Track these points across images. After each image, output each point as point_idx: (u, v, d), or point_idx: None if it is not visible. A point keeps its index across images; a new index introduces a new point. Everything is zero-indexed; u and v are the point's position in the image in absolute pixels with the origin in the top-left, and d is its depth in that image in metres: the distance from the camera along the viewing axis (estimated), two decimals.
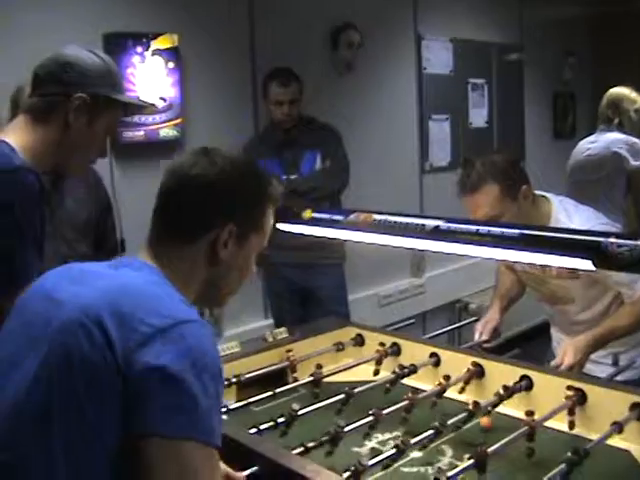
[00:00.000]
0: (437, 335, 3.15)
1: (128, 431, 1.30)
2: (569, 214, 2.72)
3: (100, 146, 2.25)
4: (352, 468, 1.80)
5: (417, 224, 1.96)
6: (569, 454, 1.85)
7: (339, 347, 2.85)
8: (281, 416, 2.15)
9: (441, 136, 6.03)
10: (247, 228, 1.60)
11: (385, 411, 2.16)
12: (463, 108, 6.31)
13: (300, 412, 2.18)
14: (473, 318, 3.58)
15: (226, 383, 2.48)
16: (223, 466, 1.85)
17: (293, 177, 4.29)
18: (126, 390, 1.30)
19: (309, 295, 4.42)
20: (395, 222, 2.02)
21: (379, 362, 2.73)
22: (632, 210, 4.94)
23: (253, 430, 2.08)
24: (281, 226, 2.46)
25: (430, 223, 1.93)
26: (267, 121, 4.54)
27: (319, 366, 2.56)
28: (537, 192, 2.78)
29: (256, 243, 1.63)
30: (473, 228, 1.85)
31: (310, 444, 1.95)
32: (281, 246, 4.16)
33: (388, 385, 2.47)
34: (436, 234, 1.92)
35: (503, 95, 6.73)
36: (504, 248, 1.81)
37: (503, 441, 1.93)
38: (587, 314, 2.87)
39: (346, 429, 2.03)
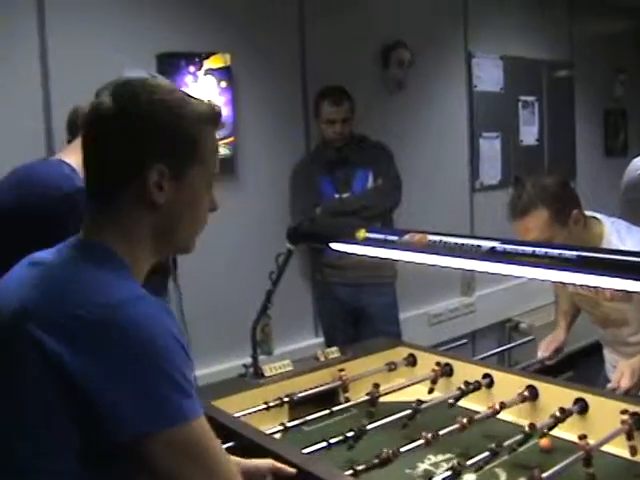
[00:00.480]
0: (490, 355, 3.13)
1: (100, 439, 1.26)
2: (621, 236, 2.69)
3: None
4: None
5: (472, 245, 1.94)
6: None
7: (391, 367, 2.84)
8: (350, 430, 2.16)
9: (492, 154, 6.00)
10: (181, 162, 1.42)
11: (438, 433, 2.15)
12: (514, 126, 6.27)
13: (369, 427, 2.19)
14: (527, 338, 3.56)
15: (278, 402, 2.49)
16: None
17: (345, 195, 4.31)
18: (70, 395, 1.24)
19: (360, 314, 4.41)
20: (450, 243, 2.00)
21: (434, 381, 2.72)
22: None
23: (323, 444, 2.09)
24: (336, 246, 2.46)
25: (486, 244, 1.91)
26: (319, 139, 4.56)
27: (376, 385, 2.56)
28: (588, 213, 2.75)
29: (200, 174, 1.46)
30: (529, 249, 1.83)
31: (360, 467, 1.94)
32: (332, 265, 4.20)
33: (452, 400, 2.46)
34: (492, 255, 1.90)
35: (554, 112, 6.68)
36: (562, 270, 1.79)
37: (559, 466, 1.91)
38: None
39: (401, 450, 2.03)
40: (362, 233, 2.30)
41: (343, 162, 4.36)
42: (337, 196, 4.31)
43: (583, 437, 2.03)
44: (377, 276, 4.37)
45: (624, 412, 2.20)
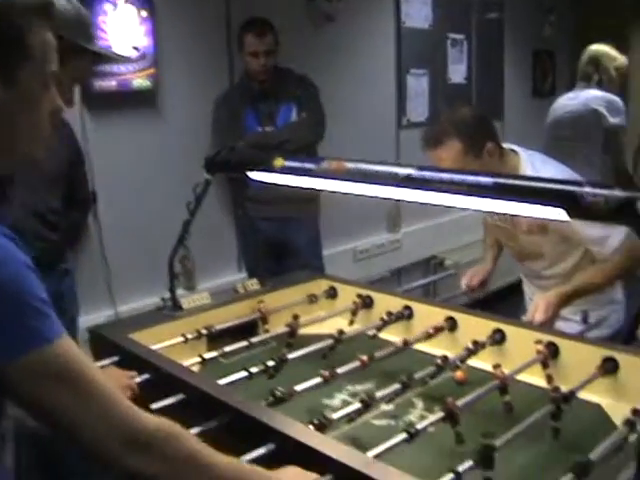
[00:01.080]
0: (413, 289, 3.14)
1: None
2: (536, 169, 2.70)
3: (67, 94, 2.16)
4: (315, 421, 1.79)
5: (389, 172, 1.91)
6: (552, 394, 1.89)
7: (312, 299, 2.82)
8: (270, 360, 2.18)
9: (419, 91, 5.96)
10: (8, 61, 1.26)
11: (352, 365, 2.17)
12: (442, 63, 6.24)
13: (289, 356, 2.22)
14: (449, 271, 3.59)
15: (196, 335, 2.46)
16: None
17: (268, 129, 4.25)
18: None
19: (283, 248, 4.39)
20: (367, 170, 1.97)
21: (355, 313, 2.71)
22: (612, 168, 4.97)
23: (243, 374, 2.11)
24: (252, 175, 2.42)
25: (402, 171, 1.88)
26: (242, 72, 4.46)
27: (295, 316, 2.55)
28: (506, 145, 2.76)
29: (33, 72, 1.30)
30: (446, 176, 1.80)
31: (279, 394, 1.95)
32: (255, 199, 4.16)
33: (374, 331, 2.50)
34: (409, 182, 1.87)
35: (483, 52, 6.67)
36: (478, 197, 1.77)
37: (474, 394, 1.93)
38: (555, 270, 2.88)
39: (314, 382, 2.05)
40: (280, 161, 2.25)
41: (267, 95, 4.29)
42: (260, 129, 4.25)
43: (497, 366, 2.05)
44: (300, 210, 4.35)
45: (539, 342, 2.22)
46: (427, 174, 1.85)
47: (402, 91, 5.82)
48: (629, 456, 1.45)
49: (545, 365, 2.20)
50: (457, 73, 6.42)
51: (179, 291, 2.76)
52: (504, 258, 3.22)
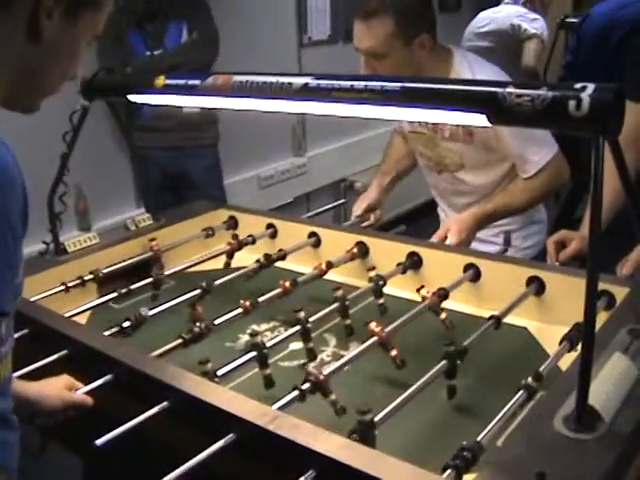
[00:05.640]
0: (320, 213, 2.91)
1: None
2: (472, 69, 2.43)
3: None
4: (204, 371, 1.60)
5: (283, 83, 1.68)
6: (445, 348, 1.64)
7: (209, 232, 2.59)
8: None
9: (320, 7, 5.69)
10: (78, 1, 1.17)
11: (260, 299, 1.98)
12: None
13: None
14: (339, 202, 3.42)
15: (79, 281, 2.22)
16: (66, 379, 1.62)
17: (157, 52, 3.95)
18: None
19: (181, 179, 4.13)
20: (259, 82, 1.73)
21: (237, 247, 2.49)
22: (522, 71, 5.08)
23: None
24: (133, 98, 2.16)
25: (298, 81, 1.65)
26: None
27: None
28: (442, 44, 2.51)
29: (89, 23, 1.22)
30: (347, 84, 1.56)
31: (174, 343, 1.76)
32: (148, 128, 3.89)
33: (251, 273, 2.27)
34: (306, 93, 1.64)
35: None
36: (385, 105, 1.55)
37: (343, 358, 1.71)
38: (474, 184, 2.67)
39: (216, 322, 1.86)
40: (161, 80, 2.01)
41: (154, 15, 3.97)
42: (148, 53, 3.94)
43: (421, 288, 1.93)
44: (197, 138, 4.10)
45: (421, 288, 2.00)
46: (326, 82, 1.62)
47: (302, 7, 5.53)
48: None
49: (437, 312, 1.95)
50: None
51: (73, 232, 2.50)
52: (413, 180, 3.02)
